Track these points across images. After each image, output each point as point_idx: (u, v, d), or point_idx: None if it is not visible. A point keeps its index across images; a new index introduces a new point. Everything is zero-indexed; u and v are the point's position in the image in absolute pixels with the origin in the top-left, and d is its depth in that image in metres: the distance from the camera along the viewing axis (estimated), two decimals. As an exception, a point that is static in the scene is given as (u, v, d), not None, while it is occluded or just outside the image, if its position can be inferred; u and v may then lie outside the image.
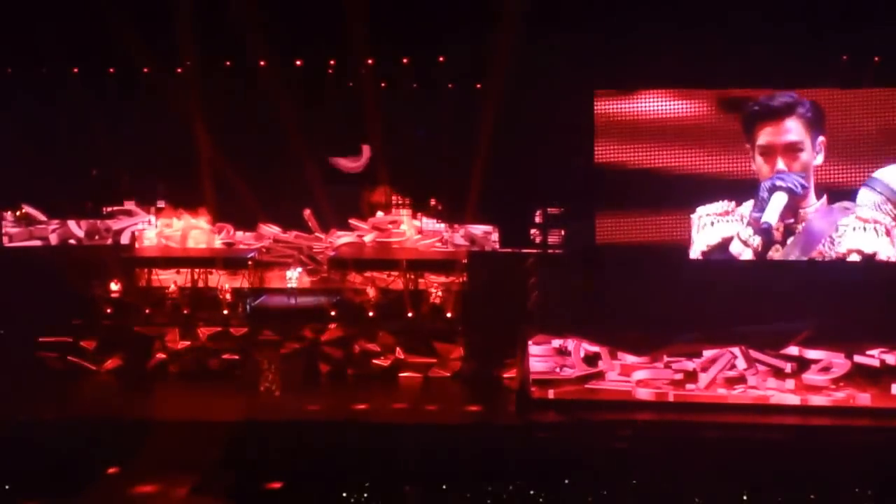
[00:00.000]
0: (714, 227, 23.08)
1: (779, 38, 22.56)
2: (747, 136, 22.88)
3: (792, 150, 22.62)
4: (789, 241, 22.85)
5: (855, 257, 22.63)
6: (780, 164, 22.61)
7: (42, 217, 25.82)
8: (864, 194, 22.73)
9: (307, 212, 25.75)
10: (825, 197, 22.82)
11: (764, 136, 22.74)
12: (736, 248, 22.84)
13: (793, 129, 22.70)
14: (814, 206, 22.82)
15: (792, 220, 22.83)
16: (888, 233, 22.60)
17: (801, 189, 22.52)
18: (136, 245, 25.85)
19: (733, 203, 22.96)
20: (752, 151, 22.82)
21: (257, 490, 16.69)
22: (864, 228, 22.64)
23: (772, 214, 22.53)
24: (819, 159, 22.69)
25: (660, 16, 22.33)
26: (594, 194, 23.77)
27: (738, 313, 20.90)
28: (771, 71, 22.85)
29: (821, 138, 22.66)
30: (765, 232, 22.73)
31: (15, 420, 19.12)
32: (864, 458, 17.62)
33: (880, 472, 16.94)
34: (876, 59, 23.47)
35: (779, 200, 22.49)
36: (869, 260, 22.55)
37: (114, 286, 23.80)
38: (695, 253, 23.01)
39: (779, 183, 22.50)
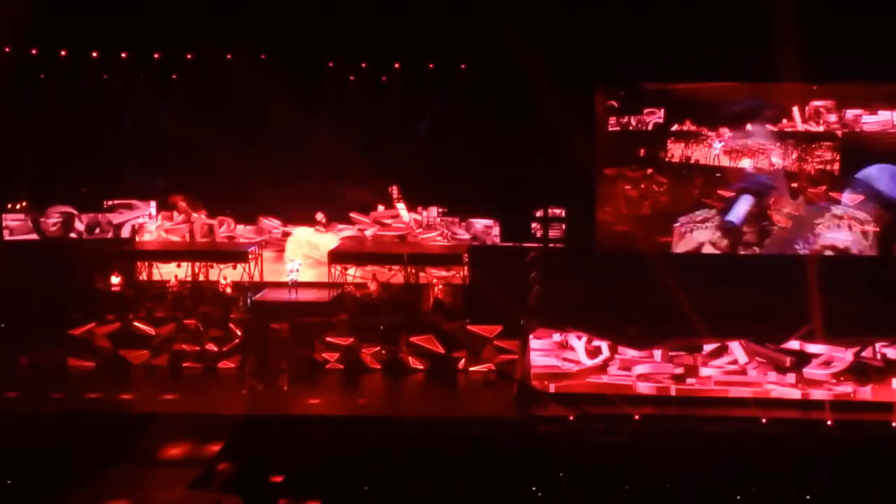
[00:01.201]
0: (693, 235, 23.55)
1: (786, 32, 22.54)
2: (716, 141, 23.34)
3: (758, 152, 23.01)
4: (766, 242, 23.30)
5: (829, 253, 23.09)
6: (749, 166, 22.98)
7: (73, 211, 25.71)
8: (847, 195, 23.18)
9: (319, 215, 25.65)
10: (801, 197, 23.13)
11: (731, 140, 23.17)
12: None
13: (758, 132, 22.99)
14: (788, 206, 23.14)
15: (766, 223, 23.18)
16: (863, 229, 22.96)
17: (768, 190, 22.98)
18: (137, 238, 25.82)
19: (713, 211, 23.38)
20: (720, 155, 23.29)
21: (260, 483, 16.71)
22: (839, 225, 23.13)
23: (736, 213, 23.10)
24: (790, 161, 23.04)
25: (663, 9, 22.34)
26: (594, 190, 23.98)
27: (738, 308, 20.99)
28: (776, 64, 22.85)
29: (790, 140, 22.94)
30: (730, 233, 23.13)
31: (17, 413, 19.13)
32: (864, 452, 17.65)
33: (881, 467, 16.97)
34: None
35: (745, 201, 23.08)
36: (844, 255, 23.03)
37: (114, 279, 23.78)
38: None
39: (745, 185, 22.93)
